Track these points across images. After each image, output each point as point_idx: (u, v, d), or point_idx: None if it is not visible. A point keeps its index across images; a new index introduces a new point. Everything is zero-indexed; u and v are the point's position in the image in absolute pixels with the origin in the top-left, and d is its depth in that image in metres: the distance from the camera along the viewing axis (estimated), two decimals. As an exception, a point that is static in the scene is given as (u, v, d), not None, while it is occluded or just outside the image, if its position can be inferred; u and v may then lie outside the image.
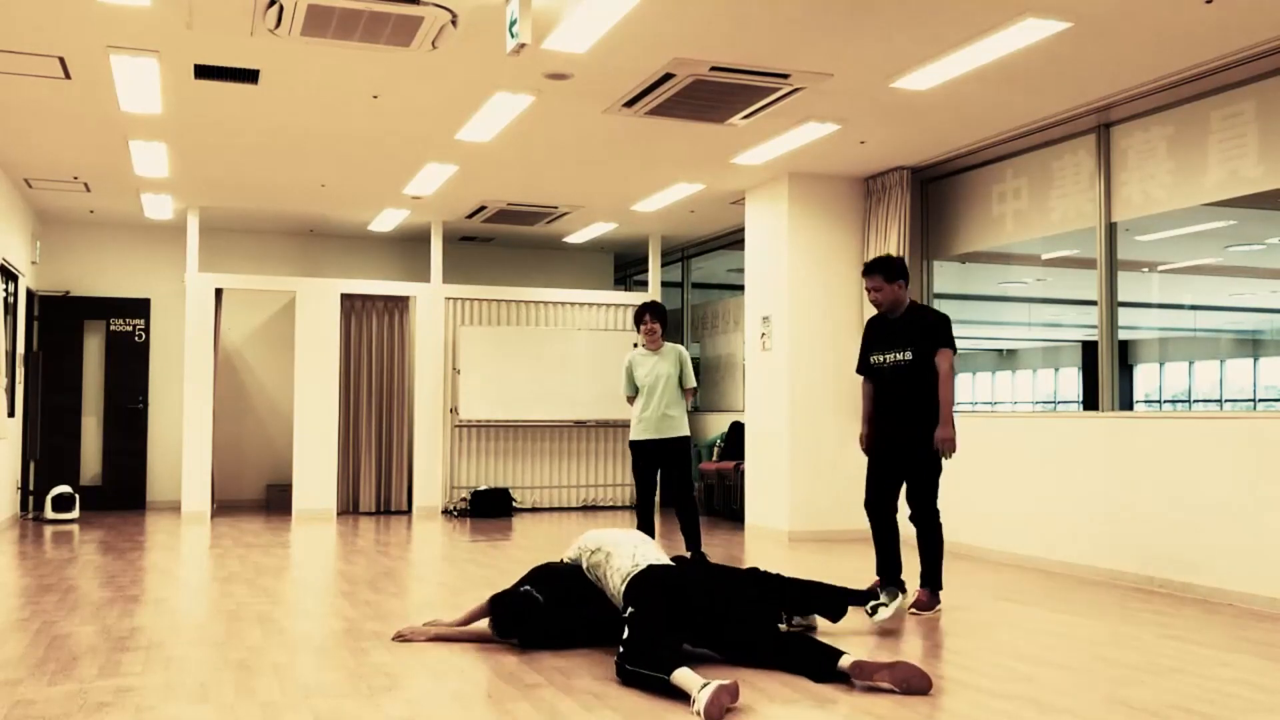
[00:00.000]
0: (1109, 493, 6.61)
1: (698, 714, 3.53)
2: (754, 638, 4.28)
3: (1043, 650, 4.66)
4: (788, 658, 4.14)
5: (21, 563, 7.35)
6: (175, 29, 5.53)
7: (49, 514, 10.02)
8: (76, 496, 10.17)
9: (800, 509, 8.61)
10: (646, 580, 4.33)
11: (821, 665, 4.02)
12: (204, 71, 6.19)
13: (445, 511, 10.86)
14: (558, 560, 4.91)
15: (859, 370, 5.83)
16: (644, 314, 7.29)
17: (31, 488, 10.66)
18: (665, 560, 4.56)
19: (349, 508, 10.78)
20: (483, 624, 4.78)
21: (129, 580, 6.50)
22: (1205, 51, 5.81)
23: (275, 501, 11.08)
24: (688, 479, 7.19)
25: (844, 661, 3.98)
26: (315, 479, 10.43)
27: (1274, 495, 5.63)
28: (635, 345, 7.49)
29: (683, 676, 3.69)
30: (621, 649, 4.04)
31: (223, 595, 6.00)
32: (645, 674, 3.87)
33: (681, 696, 3.69)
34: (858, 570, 7.06)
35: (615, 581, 4.44)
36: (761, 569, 5.30)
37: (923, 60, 5.91)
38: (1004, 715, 3.64)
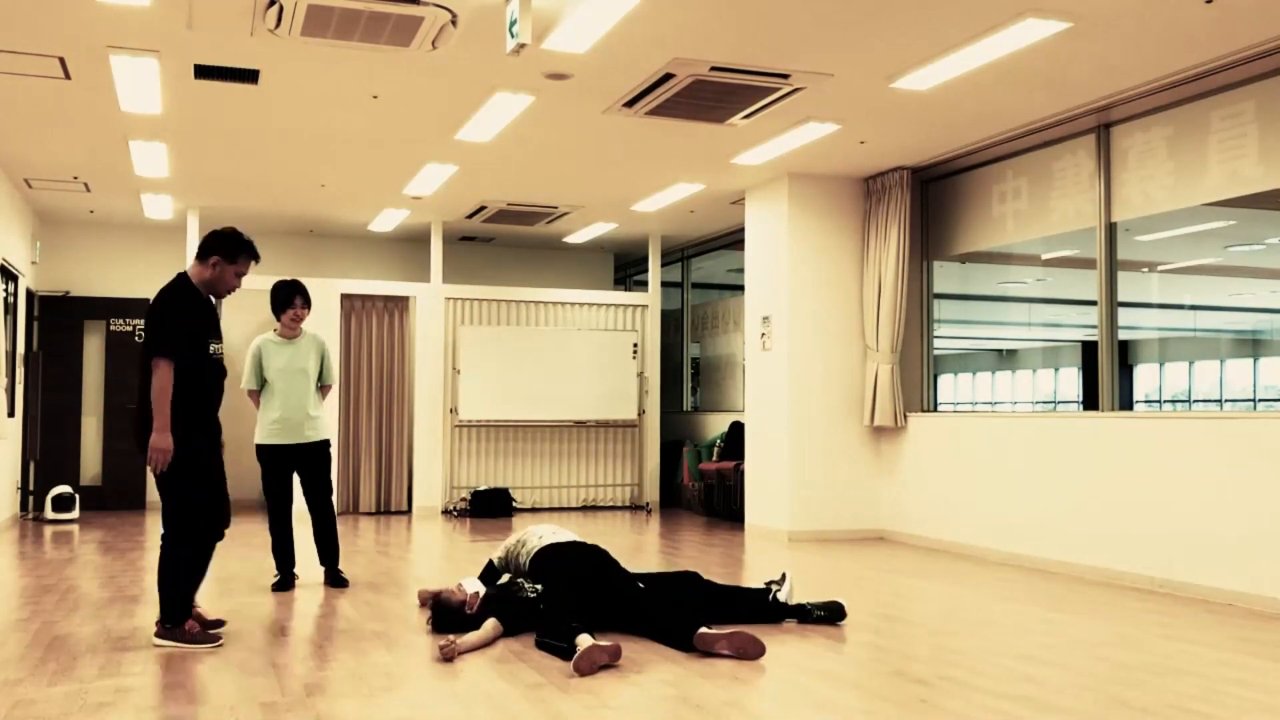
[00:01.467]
0: (1109, 493, 6.61)
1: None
2: (623, 607, 4.82)
3: (1043, 650, 4.66)
4: (651, 627, 4.69)
5: (21, 563, 7.35)
6: (175, 29, 5.53)
7: (49, 514, 10.01)
8: (76, 496, 10.16)
9: (800, 509, 8.61)
10: (547, 553, 5.07)
11: (679, 635, 4.52)
12: (204, 71, 6.19)
13: (445, 511, 10.86)
14: (498, 570, 5.46)
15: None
16: (293, 295, 6.28)
17: (31, 488, 10.66)
18: (571, 539, 5.22)
19: (349, 508, 10.78)
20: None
21: (129, 580, 6.50)
22: (1205, 51, 5.81)
23: (275, 501, 11.07)
24: (329, 487, 6.45)
25: (697, 633, 4.46)
26: (315, 479, 10.41)
27: (1274, 495, 5.63)
28: (274, 331, 6.42)
29: (581, 640, 4.22)
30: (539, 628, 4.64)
31: (222, 595, 5.99)
32: (553, 644, 4.41)
33: None
34: (856, 571, 7.06)
35: (524, 561, 5.17)
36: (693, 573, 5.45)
37: (923, 60, 5.91)
38: (1004, 715, 3.65)
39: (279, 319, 6.34)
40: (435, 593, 5.19)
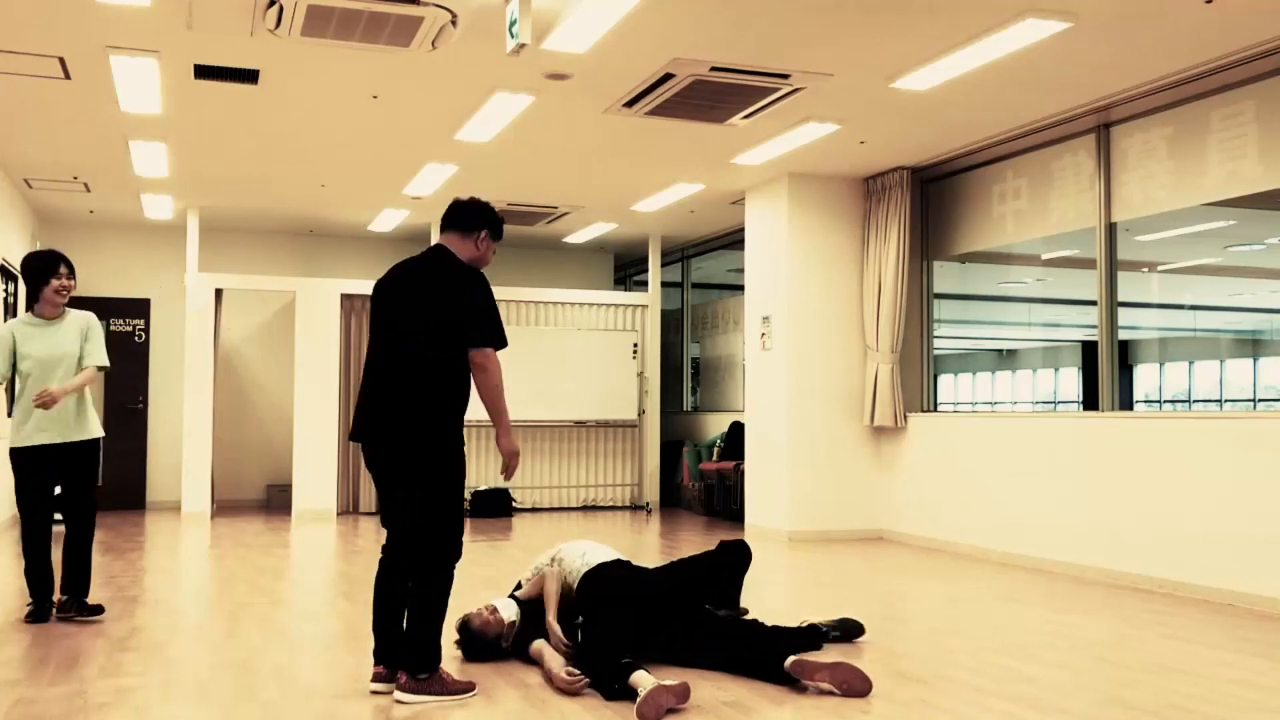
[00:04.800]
0: (1109, 493, 6.61)
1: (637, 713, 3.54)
2: (701, 638, 4.30)
3: (1043, 650, 4.66)
4: (734, 659, 4.17)
5: (21, 563, 7.32)
6: (175, 29, 5.53)
7: (49, 514, 9.99)
8: (76, 496, 10.14)
9: (800, 509, 8.61)
10: (595, 579, 4.40)
11: (768, 667, 4.02)
12: (204, 71, 6.19)
13: (445, 511, 10.84)
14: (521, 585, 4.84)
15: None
16: (58, 264, 5.25)
17: (31, 488, 10.62)
18: (615, 557, 4.60)
19: (349, 508, 10.78)
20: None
21: (129, 580, 6.50)
22: (1205, 51, 5.81)
23: (275, 501, 11.08)
24: (93, 497, 5.35)
25: (787, 661, 3.97)
26: (315, 479, 10.42)
27: (1274, 495, 5.63)
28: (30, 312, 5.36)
29: (636, 678, 3.70)
30: (576, 658, 4.07)
31: (223, 595, 6.00)
32: (599, 681, 3.86)
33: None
34: (856, 571, 7.06)
35: (571, 584, 4.51)
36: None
37: (923, 60, 5.91)
38: (1004, 715, 3.65)
39: (39, 294, 5.23)
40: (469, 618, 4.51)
